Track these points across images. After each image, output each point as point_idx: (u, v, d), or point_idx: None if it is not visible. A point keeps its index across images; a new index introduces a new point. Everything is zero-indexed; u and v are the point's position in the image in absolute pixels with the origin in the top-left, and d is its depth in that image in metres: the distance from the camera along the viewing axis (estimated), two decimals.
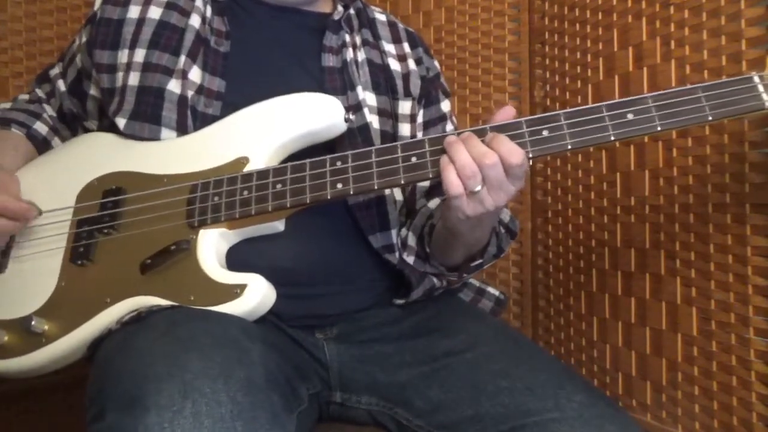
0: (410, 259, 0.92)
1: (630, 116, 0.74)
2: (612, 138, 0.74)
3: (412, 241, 0.94)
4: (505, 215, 0.94)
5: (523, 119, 0.76)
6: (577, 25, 1.28)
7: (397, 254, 0.93)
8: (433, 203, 0.96)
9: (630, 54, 1.14)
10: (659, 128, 0.74)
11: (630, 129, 0.74)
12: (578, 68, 1.27)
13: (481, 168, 0.73)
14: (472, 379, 0.80)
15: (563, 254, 1.33)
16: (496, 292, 1.04)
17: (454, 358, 0.83)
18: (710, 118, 0.73)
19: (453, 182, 0.74)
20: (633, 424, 0.75)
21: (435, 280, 0.94)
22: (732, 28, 0.96)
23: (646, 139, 1.11)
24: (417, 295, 0.92)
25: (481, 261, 0.91)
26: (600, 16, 1.21)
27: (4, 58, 1.36)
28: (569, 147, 0.75)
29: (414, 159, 0.78)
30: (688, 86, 0.74)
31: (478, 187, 0.74)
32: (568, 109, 0.76)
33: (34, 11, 1.40)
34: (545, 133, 0.75)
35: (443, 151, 0.76)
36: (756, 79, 0.73)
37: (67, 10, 1.45)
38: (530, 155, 0.75)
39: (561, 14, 1.32)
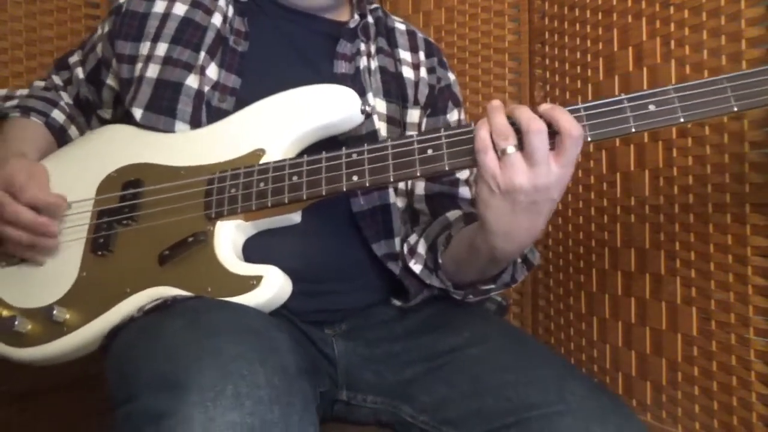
0: (417, 268, 0.91)
1: (651, 108, 0.72)
2: (633, 130, 0.72)
3: (422, 248, 0.92)
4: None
5: None
6: (577, 25, 1.28)
7: (399, 263, 0.93)
8: (453, 214, 0.94)
9: (630, 54, 1.14)
10: (682, 120, 0.71)
11: (652, 120, 0.72)
12: (578, 68, 1.27)
13: (527, 132, 0.69)
14: (476, 374, 0.80)
15: (563, 254, 1.33)
16: (498, 298, 1.03)
17: (459, 354, 0.84)
18: (736, 108, 0.70)
19: (482, 137, 0.71)
20: (635, 417, 0.75)
21: (435, 290, 0.93)
22: (732, 28, 0.96)
23: (646, 139, 1.11)
24: (414, 303, 0.92)
25: (492, 286, 0.87)
26: (600, 16, 1.21)
27: (4, 58, 1.36)
28: (588, 139, 0.73)
29: (430, 151, 0.77)
30: (712, 78, 0.72)
31: (511, 149, 0.70)
32: (589, 102, 0.74)
33: (34, 11, 1.40)
34: None
35: (459, 144, 0.75)
36: None
37: (67, 10, 1.44)
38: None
39: (561, 14, 1.32)
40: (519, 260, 0.87)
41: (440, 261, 0.88)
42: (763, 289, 0.93)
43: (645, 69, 1.11)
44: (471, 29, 1.46)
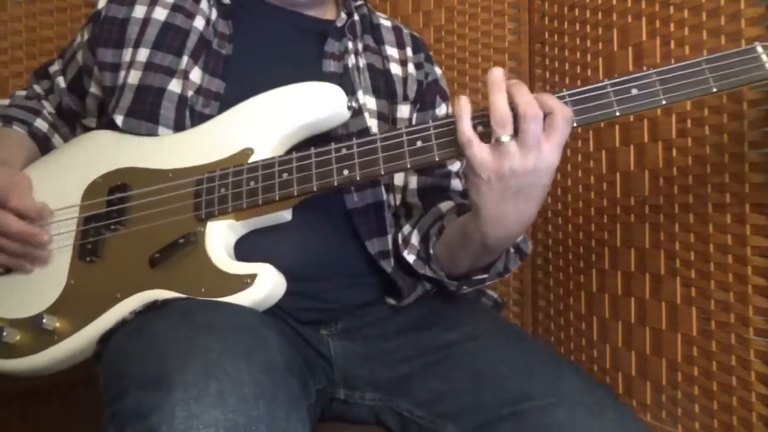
0: (410, 258, 0.92)
1: (634, 91, 0.74)
2: (617, 114, 0.74)
3: (415, 239, 0.93)
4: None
5: None
6: (577, 25, 1.28)
7: (391, 260, 0.93)
8: (445, 205, 0.95)
9: (630, 54, 1.14)
10: (664, 102, 0.73)
11: (635, 104, 0.74)
12: (578, 68, 1.27)
13: (525, 117, 0.70)
14: (472, 368, 0.81)
15: (563, 254, 1.33)
16: (495, 295, 1.04)
17: (456, 349, 0.84)
18: (714, 89, 0.73)
19: (465, 130, 0.72)
20: (631, 413, 0.75)
21: (428, 285, 0.94)
22: (732, 28, 0.96)
23: (645, 139, 1.11)
24: (408, 302, 0.92)
25: (485, 276, 0.89)
26: (600, 16, 1.21)
27: (4, 58, 1.36)
28: (575, 125, 0.74)
29: (419, 143, 0.78)
30: (692, 60, 0.74)
31: (506, 137, 0.71)
32: (573, 89, 0.75)
33: (34, 11, 1.40)
34: None
35: (448, 134, 0.76)
36: (759, 48, 0.73)
37: (67, 10, 1.44)
38: None
39: (561, 14, 1.32)
40: (512, 250, 0.88)
41: (432, 252, 0.90)
42: (763, 289, 0.93)
43: (645, 69, 1.11)
44: (471, 29, 1.46)
